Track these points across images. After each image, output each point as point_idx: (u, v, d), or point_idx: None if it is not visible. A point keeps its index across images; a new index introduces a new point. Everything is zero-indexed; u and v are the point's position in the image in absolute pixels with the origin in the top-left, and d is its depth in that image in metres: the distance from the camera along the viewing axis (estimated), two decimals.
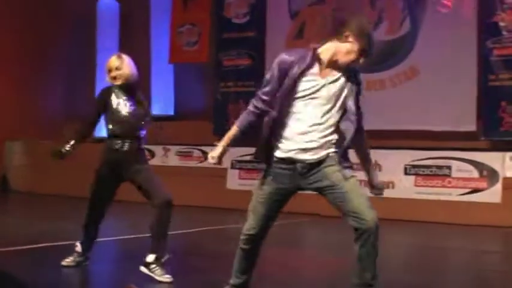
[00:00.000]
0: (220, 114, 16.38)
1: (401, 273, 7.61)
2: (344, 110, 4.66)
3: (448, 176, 13.16)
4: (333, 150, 4.67)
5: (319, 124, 4.63)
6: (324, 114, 4.62)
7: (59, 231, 9.62)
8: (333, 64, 4.64)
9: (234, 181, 15.27)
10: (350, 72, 4.68)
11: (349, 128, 4.67)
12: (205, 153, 15.84)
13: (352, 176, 4.67)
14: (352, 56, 4.62)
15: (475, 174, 12.95)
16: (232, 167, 15.39)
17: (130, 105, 6.66)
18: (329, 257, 8.61)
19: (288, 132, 4.69)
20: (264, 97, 4.72)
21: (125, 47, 18.40)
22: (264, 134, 4.77)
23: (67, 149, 6.76)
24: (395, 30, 14.64)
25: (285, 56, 4.69)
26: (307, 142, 4.64)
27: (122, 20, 18.79)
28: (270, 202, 4.83)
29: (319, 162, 4.65)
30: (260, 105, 4.74)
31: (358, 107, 4.72)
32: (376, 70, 14.53)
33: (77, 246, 6.81)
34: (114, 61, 6.68)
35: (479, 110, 13.67)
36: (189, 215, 13.10)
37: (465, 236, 11.63)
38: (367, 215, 4.54)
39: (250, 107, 4.81)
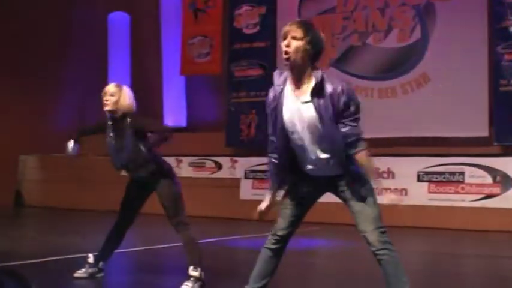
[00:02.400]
0: (233, 125, 16.41)
1: (416, 281, 7.60)
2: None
3: (462, 182, 13.13)
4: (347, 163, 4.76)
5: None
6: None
7: (73, 245, 9.64)
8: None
9: (247, 191, 15.27)
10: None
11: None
12: (217, 164, 15.88)
13: (362, 190, 4.78)
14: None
15: (489, 180, 12.92)
16: (246, 177, 15.40)
17: (116, 142, 6.76)
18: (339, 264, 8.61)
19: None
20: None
21: (136, 59, 18.53)
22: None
23: (69, 150, 6.89)
24: (406, 38, 14.65)
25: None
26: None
27: (132, 32, 18.87)
28: (295, 207, 4.97)
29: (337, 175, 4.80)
30: (272, 152, 4.93)
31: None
32: (387, 78, 14.56)
33: (89, 257, 6.84)
34: (110, 87, 6.79)
35: (492, 115, 13.65)
36: (203, 226, 13.11)
37: (479, 242, 11.59)
38: (370, 240, 4.70)
39: (269, 157, 4.98)
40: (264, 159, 16.09)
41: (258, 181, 15.18)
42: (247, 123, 16.22)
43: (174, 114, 17.71)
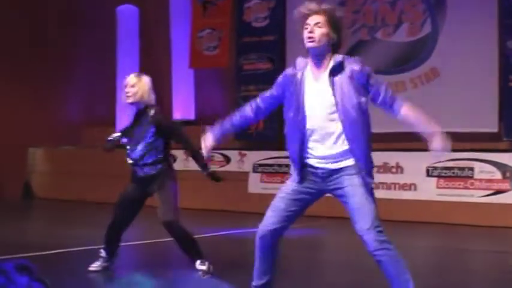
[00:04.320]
0: None
1: (425, 276, 7.59)
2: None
3: (471, 177, 13.09)
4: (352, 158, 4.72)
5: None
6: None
7: (81, 237, 9.66)
8: None
9: (256, 185, 15.26)
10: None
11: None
12: (226, 157, 15.88)
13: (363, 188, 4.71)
14: None
15: (498, 175, 12.88)
16: (254, 170, 15.39)
17: (135, 133, 6.74)
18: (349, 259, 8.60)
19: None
20: None
21: (144, 52, 18.52)
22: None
23: (110, 140, 6.86)
24: (416, 32, 14.60)
25: None
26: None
27: (141, 26, 18.86)
28: (291, 199, 4.85)
29: (339, 169, 4.74)
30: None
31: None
32: (396, 72, 14.52)
33: (101, 252, 6.84)
34: (130, 78, 6.72)
35: (501, 110, 13.60)
36: (211, 219, 13.14)
37: (488, 238, 11.57)
38: (365, 240, 4.62)
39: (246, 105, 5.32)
40: (273, 153, 16.08)
41: (267, 175, 15.17)
42: None
43: (182, 108, 17.70)
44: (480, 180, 13.02)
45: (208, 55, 17.31)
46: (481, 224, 12.45)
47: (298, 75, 4.78)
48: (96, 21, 19.14)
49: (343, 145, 4.70)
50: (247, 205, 14.53)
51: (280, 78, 4.89)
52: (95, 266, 6.82)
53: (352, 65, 4.72)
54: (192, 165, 15.92)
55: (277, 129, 15.93)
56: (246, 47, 16.69)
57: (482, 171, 13.00)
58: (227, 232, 11.31)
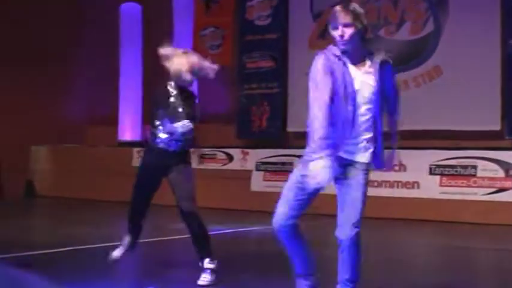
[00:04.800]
0: (244, 117, 16.42)
1: (427, 274, 7.60)
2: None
3: (474, 175, 13.08)
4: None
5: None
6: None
7: (84, 235, 9.67)
8: None
9: (258, 183, 15.27)
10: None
11: None
12: (229, 156, 15.89)
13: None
14: None
15: (501, 173, 12.87)
16: (257, 169, 15.39)
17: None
18: None
19: None
20: None
21: (147, 50, 18.51)
22: None
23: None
24: (418, 30, 14.59)
25: None
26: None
27: (144, 24, 18.87)
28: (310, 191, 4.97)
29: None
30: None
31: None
32: (399, 70, 14.47)
33: (124, 239, 6.85)
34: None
35: (504, 109, 13.59)
36: (213, 218, 13.12)
37: (491, 236, 11.57)
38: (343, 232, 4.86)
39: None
40: (275, 151, 16.05)
41: (269, 173, 15.17)
42: (258, 115, 16.21)
43: None
44: (483, 178, 13.01)
45: (211, 53, 17.30)
46: (484, 222, 12.44)
47: (340, 62, 4.84)
48: (99, 20, 19.15)
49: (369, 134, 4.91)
50: (250, 203, 14.55)
51: (324, 64, 4.85)
52: (116, 254, 6.82)
53: (383, 56, 4.96)
54: (195, 164, 15.96)
55: (280, 127, 15.95)
56: (249, 45, 16.69)
57: (485, 169, 12.99)
58: (229, 230, 11.31)
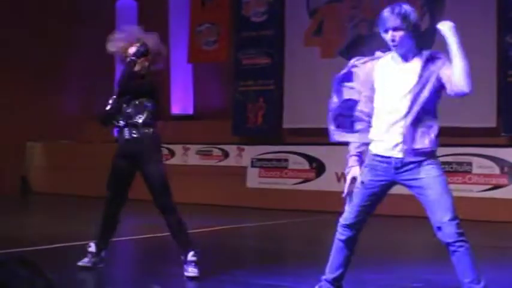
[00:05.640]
0: (240, 113, 16.40)
1: (424, 271, 7.61)
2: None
3: (469, 172, 13.10)
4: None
5: None
6: None
7: (78, 232, 9.66)
8: None
9: (254, 179, 15.26)
10: None
11: None
12: (224, 152, 15.89)
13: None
14: None
15: (496, 170, 12.89)
16: (253, 165, 15.38)
17: None
18: None
19: None
20: None
21: None
22: None
23: None
24: None
25: None
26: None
27: (140, 20, 18.81)
28: (366, 196, 5.03)
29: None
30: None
31: None
32: None
33: (90, 246, 6.80)
34: None
35: (499, 106, 13.60)
36: (209, 214, 13.13)
37: (486, 233, 11.56)
38: (447, 231, 4.94)
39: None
40: (270, 148, 16.01)
41: (265, 169, 15.16)
42: (254, 111, 16.20)
43: (181, 102, 17.71)
44: (478, 175, 13.03)
45: (207, 50, 17.30)
46: (479, 219, 12.44)
47: (379, 64, 5.07)
48: (95, 16, 19.11)
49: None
50: (246, 200, 14.54)
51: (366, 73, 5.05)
52: (85, 261, 6.77)
53: (434, 53, 5.20)
54: (191, 160, 15.97)
55: (276, 124, 15.94)
56: (245, 41, 16.66)
57: (481, 166, 13.01)
58: (225, 227, 11.30)
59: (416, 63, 4.92)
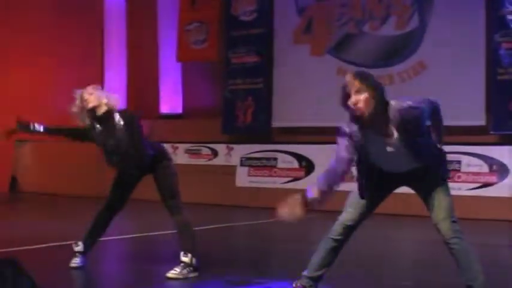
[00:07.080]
0: (229, 112, 16.38)
1: (413, 269, 7.62)
2: None
3: (458, 170, 13.11)
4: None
5: None
6: None
7: (67, 231, 9.62)
8: None
9: (243, 178, 15.24)
10: None
11: None
12: (213, 151, 15.87)
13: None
14: None
15: (485, 168, 12.91)
16: (242, 164, 15.37)
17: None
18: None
19: None
20: None
21: (132, 46, 18.46)
22: None
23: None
24: (403, 25, 14.59)
25: None
26: None
27: (128, 18, 18.79)
28: (369, 199, 5.17)
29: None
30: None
31: None
32: (384, 65, 14.51)
33: (78, 245, 6.77)
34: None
35: (489, 104, 13.62)
36: (198, 213, 13.08)
37: (475, 231, 11.55)
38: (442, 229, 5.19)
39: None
40: (260, 147, 15.95)
41: (254, 168, 15.15)
42: (243, 110, 16.18)
43: (170, 101, 17.68)
44: (467, 173, 13.05)
45: (196, 48, 17.26)
46: (468, 217, 12.44)
47: (358, 135, 4.95)
48: (83, 14, 19.06)
49: None
50: (235, 199, 14.53)
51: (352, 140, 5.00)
52: (77, 262, 6.75)
53: (396, 113, 5.11)
54: (180, 159, 15.92)
55: (265, 123, 15.92)
56: (234, 40, 16.64)
57: (470, 164, 13.03)
58: (214, 226, 11.28)
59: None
